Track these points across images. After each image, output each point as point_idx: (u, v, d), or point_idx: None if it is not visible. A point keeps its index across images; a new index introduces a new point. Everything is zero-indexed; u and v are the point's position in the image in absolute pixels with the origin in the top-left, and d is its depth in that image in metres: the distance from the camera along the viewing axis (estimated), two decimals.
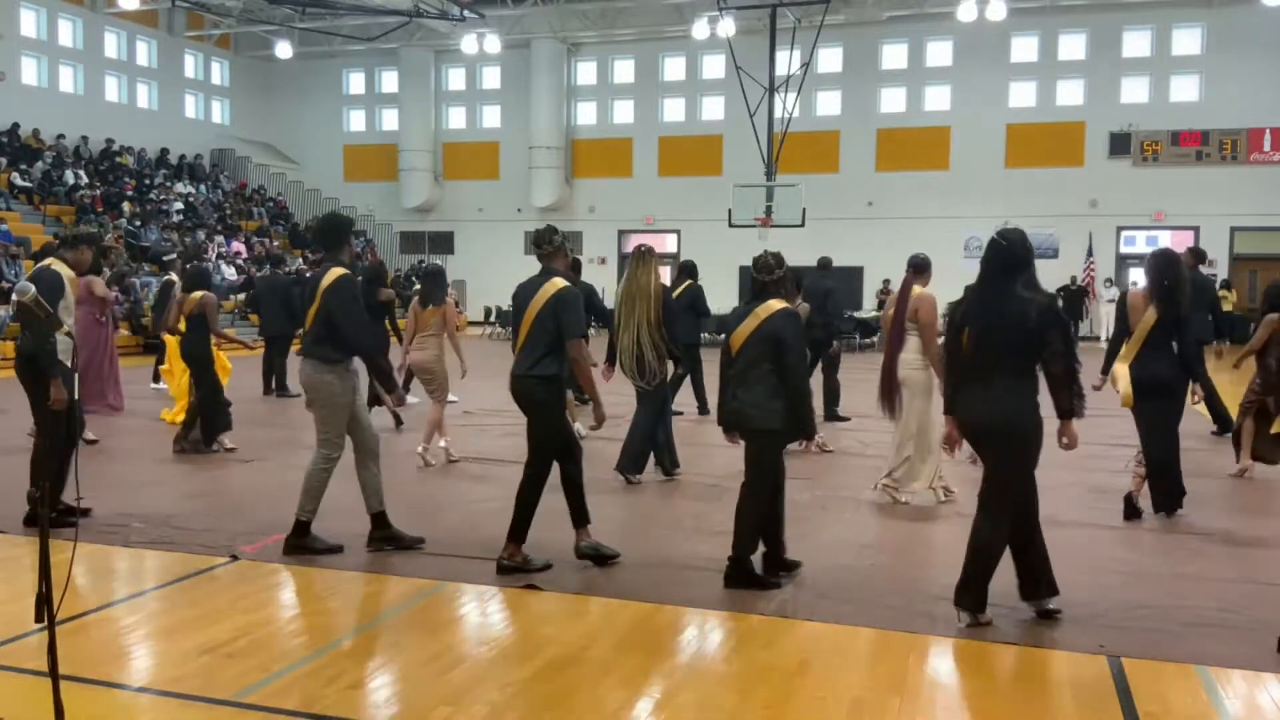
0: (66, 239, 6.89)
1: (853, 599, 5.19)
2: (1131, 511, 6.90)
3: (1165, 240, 27.49)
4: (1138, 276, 26.54)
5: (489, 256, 30.83)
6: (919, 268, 7.32)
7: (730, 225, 24.37)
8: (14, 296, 3.39)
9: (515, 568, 5.55)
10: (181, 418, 9.70)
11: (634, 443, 8.10)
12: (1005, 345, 4.63)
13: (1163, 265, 6.66)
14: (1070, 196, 27.37)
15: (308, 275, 6.20)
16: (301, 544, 5.92)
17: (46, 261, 6.58)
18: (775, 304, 5.34)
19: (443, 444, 8.89)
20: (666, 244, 31.18)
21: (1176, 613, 5.01)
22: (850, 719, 3.84)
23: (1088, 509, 7.22)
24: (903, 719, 3.85)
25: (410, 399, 10.30)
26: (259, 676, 4.14)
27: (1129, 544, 6.34)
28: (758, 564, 5.46)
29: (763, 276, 5.42)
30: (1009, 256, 4.74)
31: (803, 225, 23.60)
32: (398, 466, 8.72)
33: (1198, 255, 10.98)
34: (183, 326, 9.57)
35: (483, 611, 5.18)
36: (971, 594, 4.75)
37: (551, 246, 5.75)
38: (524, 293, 5.71)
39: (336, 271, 5.81)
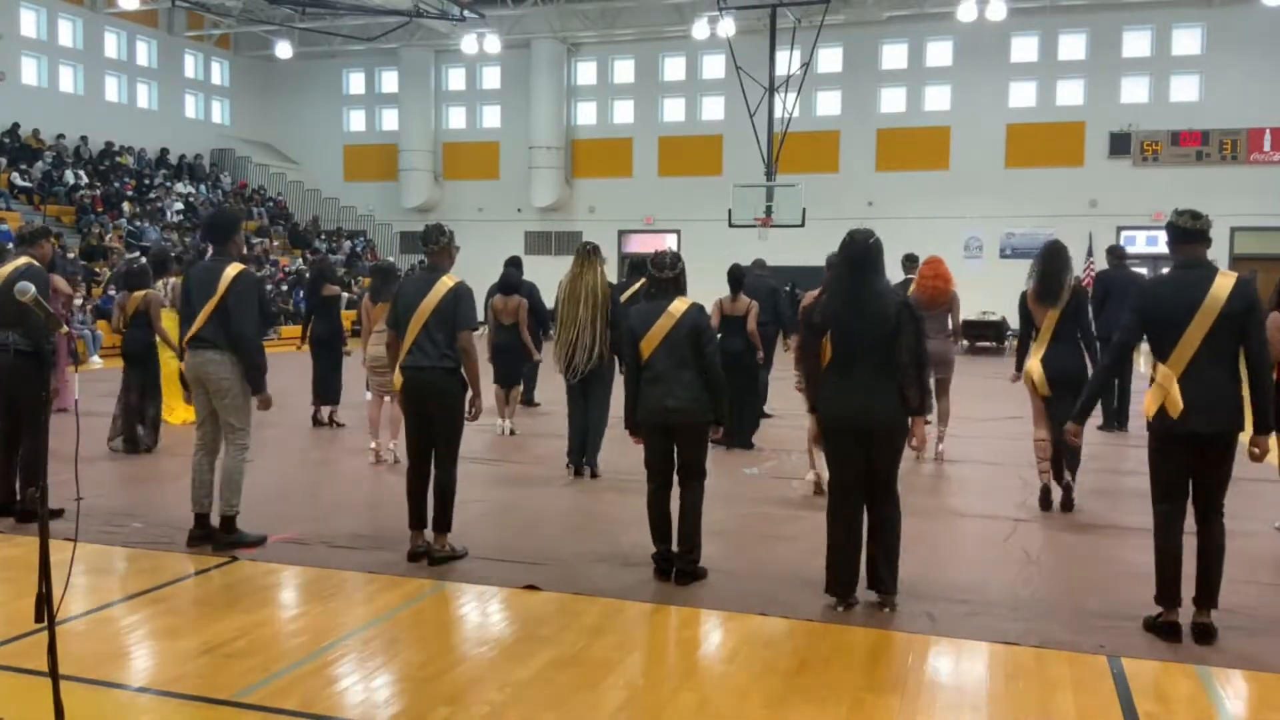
0: (27, 236, 6.96)
1: None
2: (1065, 501, 7.07)
3: (1165, 241, 27.51)
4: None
5: (489, 257, 30.75)
6: None
7: (730, 225, 24.37)
8: (16, 297, 3.39)
9: (448, 557, 5.75)
10: (190, 419, 9.71)
11: (597, 437, 8.29)
12: (873, 343, 4.83)
13: (1044, 257, 6.98)
14: (1070, 196, 27.36)
15: (192, 269, 6.41)
16: (232, 540, 5.99)
17: (25, 261, 6.61)
18: (684, 301, 5.51)
19: (394, 444, 8.85)
20: (666, 244, 31.15)
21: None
22: (850, 719, 3.84)
23: (1086, 509, 7.22)
24: (903, 719, 3.86)
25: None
26: (259, 676, 4.14)
27: (1128, 544, 6.33)
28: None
29: (662, 274, 5.58)
30: (856, 253, 4.94)
31: (803, 225, 23.60)
32: (391, 473, 8.72)
33: (1117, 253, 11.19)
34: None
35: (483, 611, 5.18)
36: (894, 575, 5.00)
37: (439, 245, 5.85)
38: (412, 290, 5.80)
39: (237, 266, 5.96)
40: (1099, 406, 10.17)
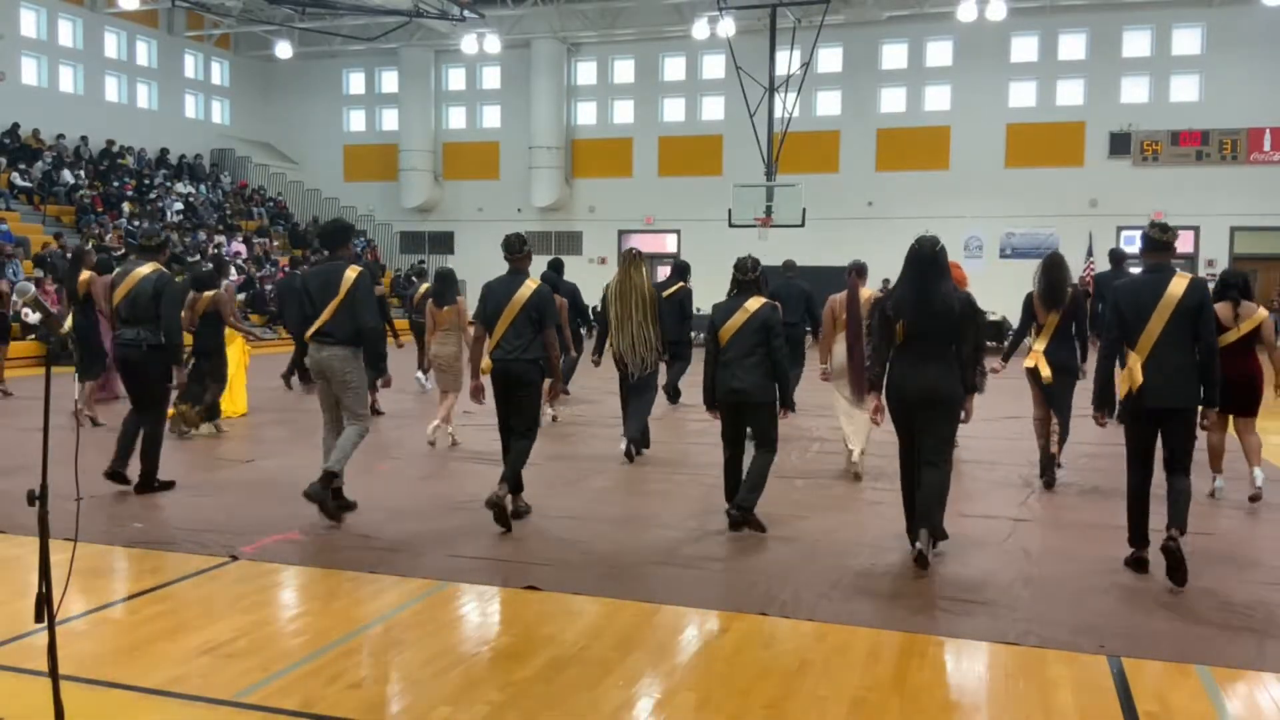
0: (152, 246, 7.71)
1: (853, 599, 5.20)
2: (1050, 472, 7.98)
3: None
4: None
5: (489, 257, 30.64)
6: (862, 271, 8.55)
7: (730, 225, 24.36)
8: (14, 297, 3.39)
9: (518, 513, 6.69)
10: (232, 413, 11.10)
11: (640, 422, 9.02)
12: (938, 332, 5.64)
13: (1048, 268, 8.02)
14: (1070, 196, 27.36)
15: (310, 271, 7.15)
16: (331, 493, 6.60)
17: (154, 267, 7.43)
18: (759, 299, 6.46)
19: (450, 430, 9.70)
20: (666, 244, 31.17)
21: (1176, 613, 5.01)
22: (850, 719, 3.84)
23: (1088, 509, 7.23)
24: (903, 719, 3.85)
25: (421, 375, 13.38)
26: (259, 676, 4.14)
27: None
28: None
29: (744, 276, 6.55)
30: (924, 257, 5.71)
31: (803, 225, 23.61)
32: (395, 472, 8.72)
33: (1114, 257, 11.82)
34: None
35: (483, 611, 5.18)
36: (938, 526, 5.76)
37: (520, 254, 6.77)
38: (500, 290, 6.70)
39: (356, 269, 6.64)
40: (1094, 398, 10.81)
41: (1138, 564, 5.70)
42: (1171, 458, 5.57)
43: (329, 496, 6.57)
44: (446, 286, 9.81)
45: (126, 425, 7.54)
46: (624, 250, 9.27)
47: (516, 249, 6.75)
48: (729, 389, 6.35)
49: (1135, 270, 12.13)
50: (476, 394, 6.78)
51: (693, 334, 11.51)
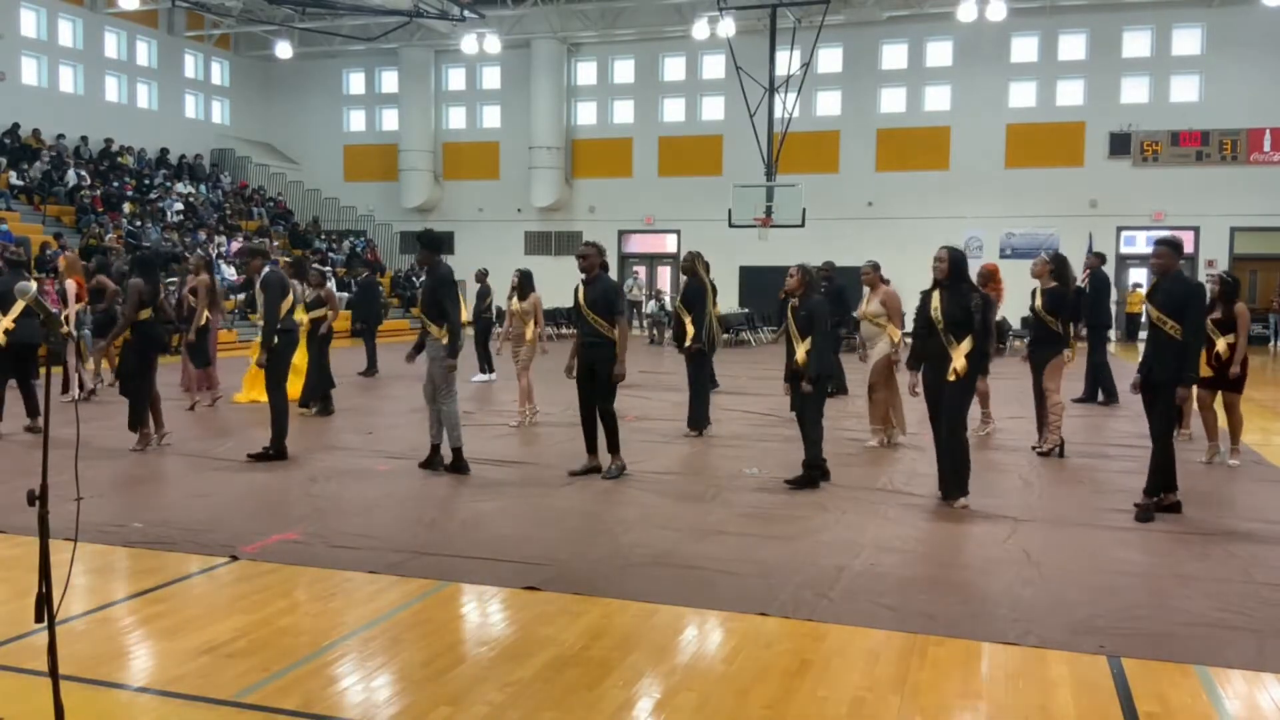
0: (268, 252, 9.77)
1: (853, 599, 5.20)
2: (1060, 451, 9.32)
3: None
4: (1139, 277, 26.56)
5: (489, 257, 30.82)
6: (878, 269, 10.36)
7: (730, 225, 24.38)
8: (16, 296, 3.39)
9: (614, 474, 8.17)
10: (245, 399, 12.54)
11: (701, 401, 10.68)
12: (961, 324, 7.12)
13: (1058, 264, 9.66)
14: (1070, 196, 27.37)
15: (421, 278, 8.34)
16: (459, 465, 8.37)
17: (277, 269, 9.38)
18: (814, 297, 8.13)
19: (535, 406, 11.33)
20: (666, 244, 31.20)
21: (1176, 613, 5.01)
22: (850, 719, 3.84)
23: (1089, 509, 7.23)
24: (903, 719, 3.85)
25: (479, 377, 15.08)
26: (259, 676, 4.14)
27: (1129, 544, 6.34)
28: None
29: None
30: (956, 263, 7.26)
31: (803, 225, 23.62)
32: (396, 472, 8.72)
33: (1099, 257, 13.53)
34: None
35: (483, 611, 5.18)
36: (965, 483, 7.20)
37: (602, 258, 8.39)
38: (583, 288, 8.29)
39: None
40: (1096, 389, 13.14)
41: (1144, 514, 6.87)
42: (1156, 420, 7.07)
43: (463, 465, 8.37)
44: (524, 284, 11.08)
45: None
46: (698, 254, 10.73)
47: (598, 255, 8.45)
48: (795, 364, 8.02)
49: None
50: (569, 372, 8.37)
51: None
